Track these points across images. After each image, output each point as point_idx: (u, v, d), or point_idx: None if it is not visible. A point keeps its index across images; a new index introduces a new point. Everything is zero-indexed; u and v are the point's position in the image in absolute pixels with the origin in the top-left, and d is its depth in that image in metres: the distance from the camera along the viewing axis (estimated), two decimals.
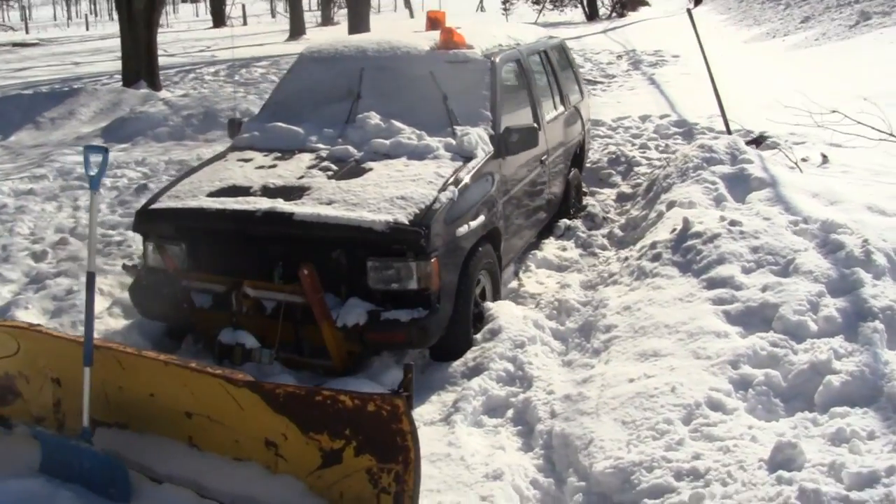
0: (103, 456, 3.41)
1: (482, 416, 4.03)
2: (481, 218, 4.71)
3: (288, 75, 5.93)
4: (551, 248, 6.42)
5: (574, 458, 3.57)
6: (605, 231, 6.80)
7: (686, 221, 5.08)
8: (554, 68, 6.91)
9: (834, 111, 7.21)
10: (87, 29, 40.98)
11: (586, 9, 32.37)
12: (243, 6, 39.44)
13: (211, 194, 4.59)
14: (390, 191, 4.41)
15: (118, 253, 6.37)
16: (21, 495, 3.40)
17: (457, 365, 4.41)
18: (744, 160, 6.41)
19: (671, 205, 5.95)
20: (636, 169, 8.46)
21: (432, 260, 4.17)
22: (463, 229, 4.48)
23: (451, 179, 4.57)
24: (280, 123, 5.33)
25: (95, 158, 3.43)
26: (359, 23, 22.44)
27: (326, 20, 33.86)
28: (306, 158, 4.95)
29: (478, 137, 4.98)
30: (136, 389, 3.62)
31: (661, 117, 10.67)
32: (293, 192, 4.48)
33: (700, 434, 3.45)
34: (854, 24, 19.25)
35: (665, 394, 3.68)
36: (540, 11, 32.80)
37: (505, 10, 33.68)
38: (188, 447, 3.58)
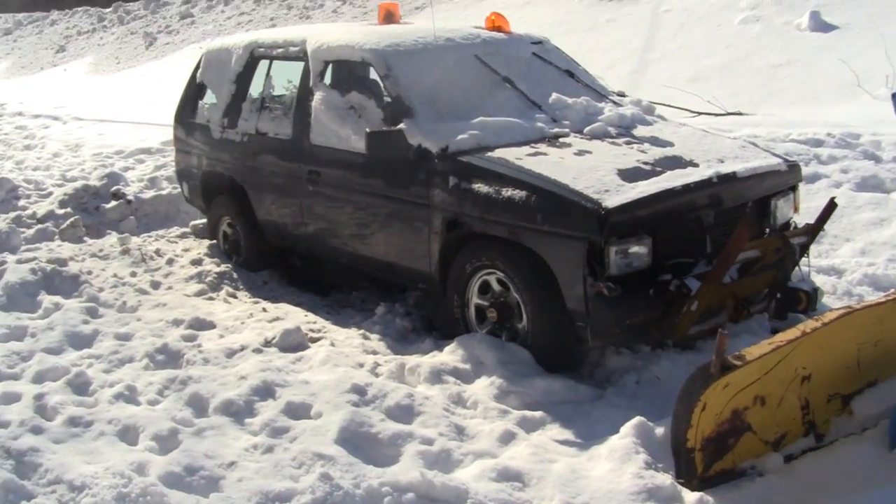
0: None
1: None
2: None
3: (391, 73, 4.86)
4: None
5: None
6: None
7: None
8: None
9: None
10: None
11: None
12: None
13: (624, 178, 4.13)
14: (722, 145, 4.78)
15: None
16: None
17: None
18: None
19: None
20: None
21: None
22: None
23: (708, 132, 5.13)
24: (489, 118, 4.76)
25: None
26: None
27: None
28: (588, 141, 4.73)
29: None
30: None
31: None
32: (676, 162, 4.38)
33: None
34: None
35: None
36: None
37: None
38: None
